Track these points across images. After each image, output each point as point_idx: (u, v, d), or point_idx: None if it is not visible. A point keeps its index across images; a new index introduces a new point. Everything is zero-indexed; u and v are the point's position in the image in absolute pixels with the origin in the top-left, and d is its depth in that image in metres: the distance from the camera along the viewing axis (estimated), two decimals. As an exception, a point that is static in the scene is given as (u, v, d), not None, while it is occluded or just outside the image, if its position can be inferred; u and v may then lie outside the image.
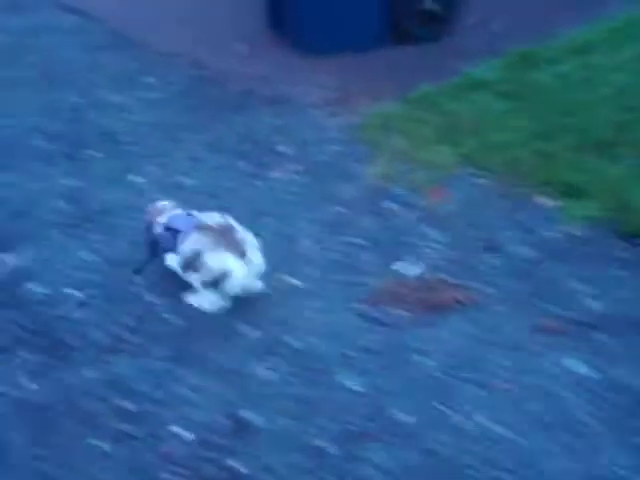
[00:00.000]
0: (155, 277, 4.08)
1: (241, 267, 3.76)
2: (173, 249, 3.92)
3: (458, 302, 3.88)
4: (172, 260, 3.98)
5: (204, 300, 3.88)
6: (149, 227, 4.04)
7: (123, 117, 5.79)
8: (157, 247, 4.02)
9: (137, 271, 4.09)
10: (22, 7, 7.94)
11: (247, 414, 3.31)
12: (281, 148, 5.32)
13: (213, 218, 3.90)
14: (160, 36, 7.12)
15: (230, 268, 3.74)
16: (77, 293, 4.03)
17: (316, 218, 4.57)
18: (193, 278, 3.86)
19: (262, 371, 3.54)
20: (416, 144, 5.23)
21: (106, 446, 3.18)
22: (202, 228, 3.83)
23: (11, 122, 5.72)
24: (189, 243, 3.82)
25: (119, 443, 3.18)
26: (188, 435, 3.22)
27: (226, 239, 3.77)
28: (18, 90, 6.21)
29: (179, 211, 4.06)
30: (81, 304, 3.95)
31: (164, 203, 4.13)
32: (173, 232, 3.93)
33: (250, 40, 7.02)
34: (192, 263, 3.81)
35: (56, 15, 7.77)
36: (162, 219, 3.99)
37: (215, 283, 3.79)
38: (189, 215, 4.01)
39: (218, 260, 3.75)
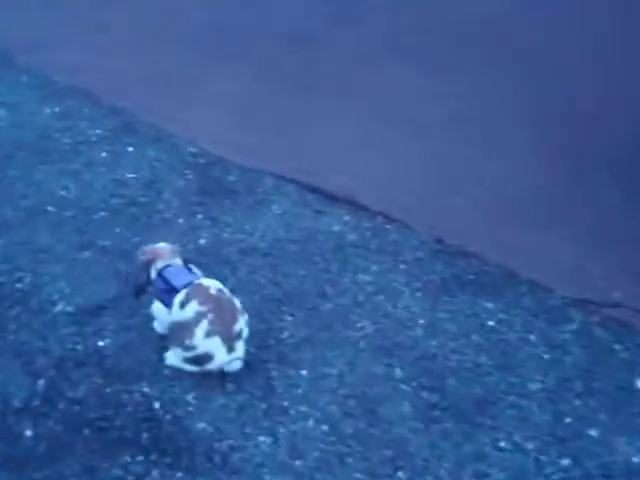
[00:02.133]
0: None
1: (225, 356, 3.61)
2: (165, 303, 3.75)
3: None
4: (160, 313, 3.82)
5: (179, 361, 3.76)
6: (145, 268, 3.83)
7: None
8: (143, 290, 3.88)
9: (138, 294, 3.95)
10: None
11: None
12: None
13: (210, 282, 3.75)
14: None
15: (215, 354, 3.60)
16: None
17: None
18: (173, 346, 3.71)
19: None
20: None
21: None
22: (200, 296, 3.64)
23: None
24: (185, 311, 3.62)
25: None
26: None
27: (220, 317, 3.60)
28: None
29: (178, 261, 3.88)
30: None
31: (163, 246, 3.94)
32: (168, 286, 3.73)
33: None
34: (179, 333, 3.64)
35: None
36: (159, 264, 3.82)
37: (194, 361, 3.65)
38: (190, 272, 3.85)
39: (206, 343, 3.58)
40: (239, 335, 3.67)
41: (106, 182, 5.28)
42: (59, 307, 4.16)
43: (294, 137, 5.91)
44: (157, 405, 3.57)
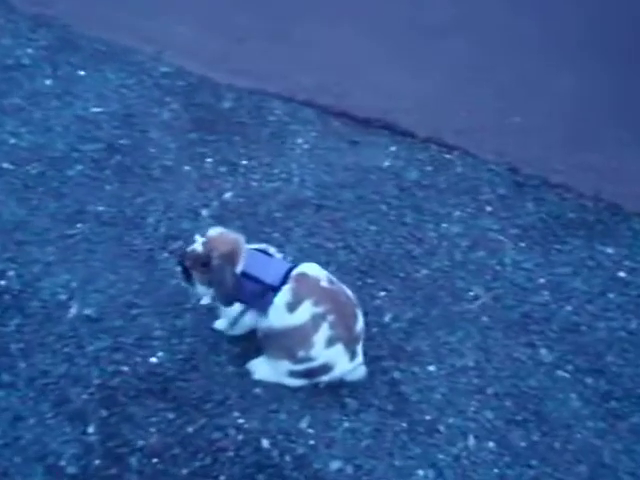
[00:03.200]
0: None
1: (347, 364, 2.76)
2: (260, 308, 2.77)
3: None
4: (240, 315, 2.86)
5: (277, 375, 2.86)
6: (224, 269, 2.72)
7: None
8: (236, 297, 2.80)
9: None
10: None
11: None
12: None
13: (315, 270, 2.81)
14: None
15: (336, 364, 2.75)
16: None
17: None
18: (275, 358, 2.80)
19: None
20: None
21: None
22: (313, 293, 2.70)
23: None
24: (296, 314, 2.69)
25: None
26: None
27: (342, 318, 2.71)
28: None
29: (248, 246, 2.86)
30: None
31: (222, 233, 2.83)
32: (261, 285, 2.75)
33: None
34: (287, 343, 2.73)
35: None
36: (237, 259, 2.75)
37: (306, 374, 2.77)
38: (267, 255, 2.87)
39: (328, 353, 2.71)
40: (360, 336, 2.85)
41: (67, 121, 4.06)
42: (73, 310, 3.10)
43: (294, 48, 4.79)
44: (266, 443, 2.68)
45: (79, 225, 3.49)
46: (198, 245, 2.76)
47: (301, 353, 2.70)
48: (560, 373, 2.94)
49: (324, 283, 2.76)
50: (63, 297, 3.14)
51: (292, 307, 2.70)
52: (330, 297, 2.73)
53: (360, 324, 2.79)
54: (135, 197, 3.64)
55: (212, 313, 3.07)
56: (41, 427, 2.69)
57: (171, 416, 2.74)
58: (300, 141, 4.02)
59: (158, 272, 3.28)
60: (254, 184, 3.75)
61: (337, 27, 4.96)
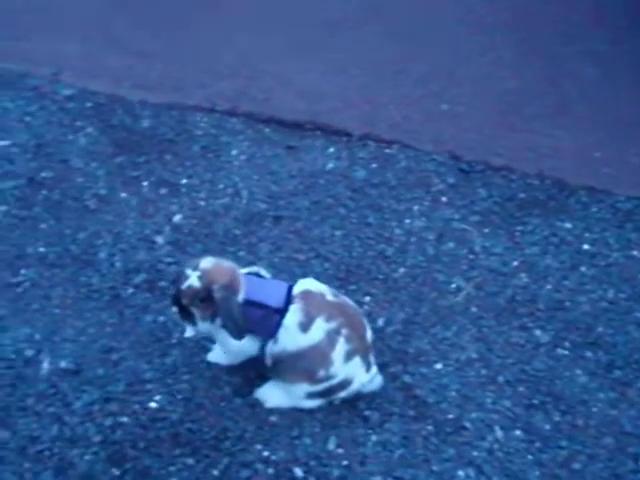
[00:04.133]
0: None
1: (365, 376, 2.68)
2: (267, 333, 2.60)
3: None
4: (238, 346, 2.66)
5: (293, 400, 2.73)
6: (230, 299, 2.53)
7: None
8: (240, 326, 2.56)
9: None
10: None
11: None
12: None
13: (316, 286, 2.68)
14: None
15: (354, 378, 2.65)
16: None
17: None
18: (292, 382, 2.64)
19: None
20: None
21: None
22: (322, 309, 2.58)
23: None
24: (310, 334, 2.56)
25: None
26: None
27: (355, 330, 2.62)
28: None
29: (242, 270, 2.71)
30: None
31: (212, 261, 2.61)
32: (266, 310, 2.59)
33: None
34: (304, 364, 2.58)
35: None
36: (238, 288, 2.57)
37: (324, 393, 2.65)
38: (259, 276, 2.73)
39: (347, 368, 2.61)
40: (372, 345, 2.73)
41: (-29, 159, 3.70)
42: (45, 365, 2.79)
43: (203, 57, 4.59)
44: (299, 472, 2.51)
45: (23, 271, 3.16)
46: (194, 280, 2.53)
47: (321, 373, 2.56)
48: (560, 351, 2.97)
49: (330, 297, 2.63)
50: (30, 352, 2.83)
51: (305, 327, 2.55)
52: (339, 310, 2.61)
53: (369, 332, 2.69)
54: (76, 232, 3.34)
55: (200, 345, 2.88)
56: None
57: (191, 462, 2.52)
58: (235, 152, 3.85)
59: (128, 310, 3.02)
60: (202, 203, 3.54)
61: (244, 30, 4.83)
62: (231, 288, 2.54)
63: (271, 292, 2.62)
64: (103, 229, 3.36)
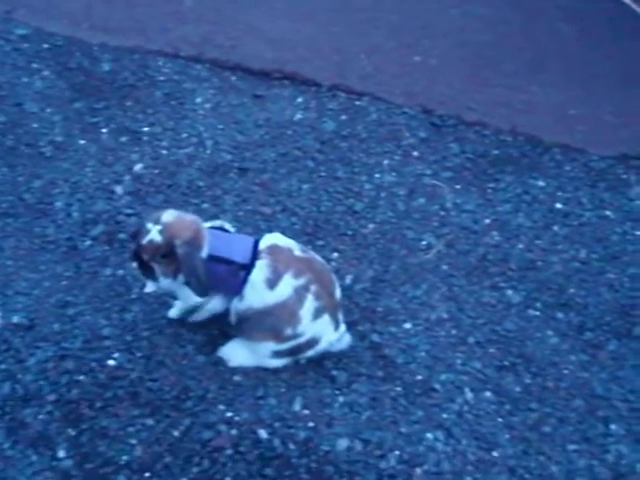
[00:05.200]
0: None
1: (333, 334, 2.58)
2: (232, 290, 2.50)
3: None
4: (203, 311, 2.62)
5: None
6: (194, 254, 2.41)
7: None
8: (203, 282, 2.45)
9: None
10: None
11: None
12: None
13: (284, 240, 2.57)
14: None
15: (322, 336, 2.56)
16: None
17: None
18: (257, 341, 2.54)
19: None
20: None
21: None
22: (290, 264, 2.47)
23: None
24: (277, 290, 2.45)
25: None
26: None
27: (323, 287, 2.52)
28: None
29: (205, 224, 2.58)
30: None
31: (174, 214, 2.47)
32: (232, 265, 2.47)
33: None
34: (271, 322, 2.48)
35: None
36: (201, 243, 2.44)
37: (291, 352, 2.56)
38: (224, 230, 2.61)
39: (315, 326, 2.51)
40: (340, 303, 2.64)
41: None
42: (-3, 319, 2.67)
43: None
44: (264, 433, 2.42)
45: (-28, 220, 3.01)
46: (155, 234, 2.39)
47: (288, 331, 2.47)
48: (531, 312, 2.91)
49: (298, 252, 2.52)
50: (-20, 305, 2.71)
51: (272, 283, 2.44)
52: (307, 266, 2.50)
53: (338, 289, 2.59)
54: (31, 180, 3.17)
55: (162, 301, 2.76)
56: (1, 461, 2.30)
57: (150, 422, 2.42)
58: (200, 100, 3.68)
59: (85, 263, 2.88)
60: (164, 152, 3.37)
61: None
62: (194, 243, 2.41)
63: (236, 247, 2.50)
64: (59, 177, 3.20)
